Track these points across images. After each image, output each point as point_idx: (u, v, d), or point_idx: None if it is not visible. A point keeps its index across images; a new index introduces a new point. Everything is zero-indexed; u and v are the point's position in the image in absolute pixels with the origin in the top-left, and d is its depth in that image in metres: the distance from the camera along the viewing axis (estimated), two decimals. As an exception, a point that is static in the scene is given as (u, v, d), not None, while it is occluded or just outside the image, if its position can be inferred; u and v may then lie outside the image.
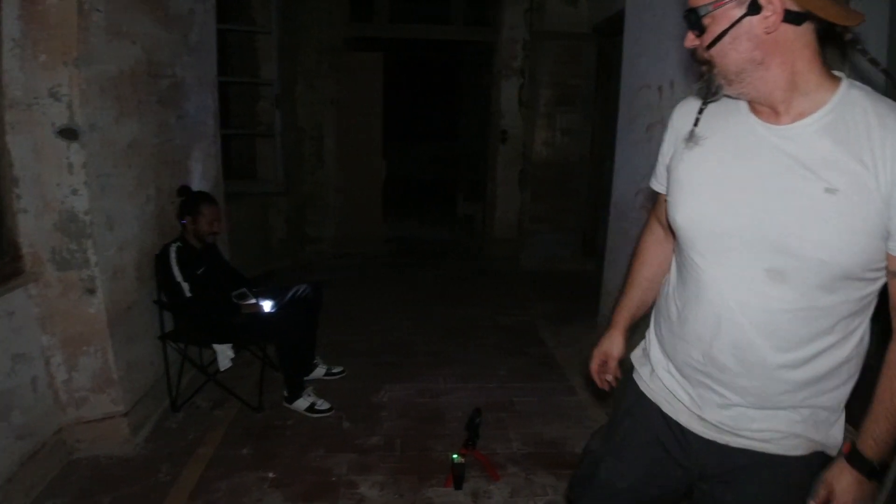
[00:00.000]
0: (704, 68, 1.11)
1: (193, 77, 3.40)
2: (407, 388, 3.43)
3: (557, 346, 4.14)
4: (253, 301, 3.12)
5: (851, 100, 1.01)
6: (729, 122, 1.15)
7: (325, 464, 2.69)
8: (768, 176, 1.05)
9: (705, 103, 1.17)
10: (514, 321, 4.63)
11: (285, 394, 3.13)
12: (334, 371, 3.52)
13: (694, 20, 1.05)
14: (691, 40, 1.09)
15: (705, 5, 1.02)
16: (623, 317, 1.52)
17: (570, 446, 2.88)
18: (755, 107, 1.11)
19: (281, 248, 5.78)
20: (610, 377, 1.56)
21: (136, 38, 2.75)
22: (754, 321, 1.10)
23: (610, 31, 5.10)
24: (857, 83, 1.04)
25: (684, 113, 1.26)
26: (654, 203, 1.46)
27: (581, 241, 6.18)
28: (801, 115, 1.04)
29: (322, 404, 3.10)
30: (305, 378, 3.29)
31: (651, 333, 1.40)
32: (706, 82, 1.11)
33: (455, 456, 2.57)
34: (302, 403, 3.09)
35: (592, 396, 3.33)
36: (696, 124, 1.19)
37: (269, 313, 3.14)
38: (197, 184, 3.45)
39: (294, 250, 6.01)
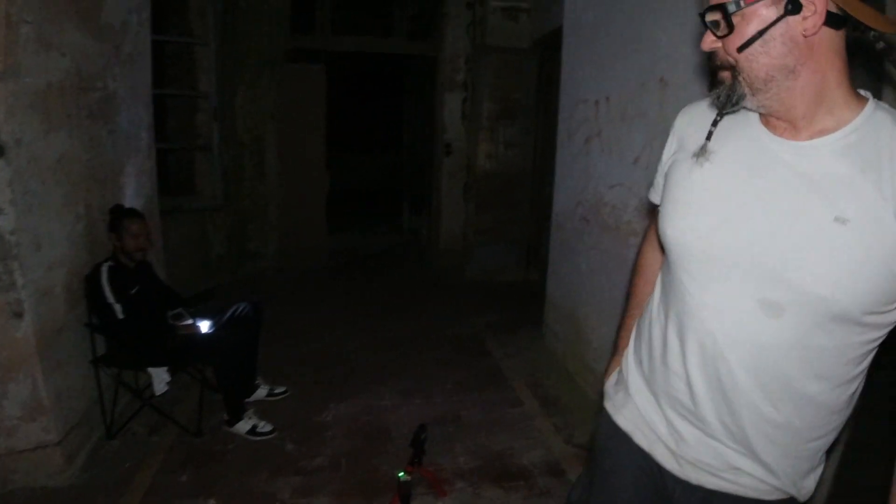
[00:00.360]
0: (725, 74, 1.00)
1: (126, 89, 3.28)
2: (352, 406, 3.39)
3: (503, 356, 4.18)
4: (189, 321, 3.03)
5: (877, 122, 0.92)
6: (738, 134, 1.05)
7: (269, 488, 2.63)
8: (774, 196, 0.96)
9: (721, 115, 1.06)
10: (459, 332, 4.65)
11: (226, 417, 3.04)
12: (277, 391, 3.44)
13: (719, 19, 0.94)
14: (710, 42, 0.98)
15: (736, 0, 0.91)
16: (627, 341, 1.37)
17: (517, 458, 2.90)
18: (769, 120, 1.01)
19: (221, 265, 5.64)
20: None
21: (66, 49, 2.63)
22: (741, 356, 1.01)
23: (550, 46, 5.22)
24: (885, 105, 0.95)
25: (691, 121, 1.16)
26: (655, 216, 1.29)
27: (525, 252, 6.28)
28: (821, 133, 0.94)
29: (264, 426, 3.03)
30: (247, 400, 3.21)
31: (630, 355, 1.30)
32: (728, 90, 0.99)
33: (401, 474, 2.54)
34: (243, 426, 3.01)
35: (539, 405, 3.38)
36: (708, 138, 1.08)
37: (206, 334, 3.05)
38: (130, 200, 3.32)
39: (235, 266, 5.87)
